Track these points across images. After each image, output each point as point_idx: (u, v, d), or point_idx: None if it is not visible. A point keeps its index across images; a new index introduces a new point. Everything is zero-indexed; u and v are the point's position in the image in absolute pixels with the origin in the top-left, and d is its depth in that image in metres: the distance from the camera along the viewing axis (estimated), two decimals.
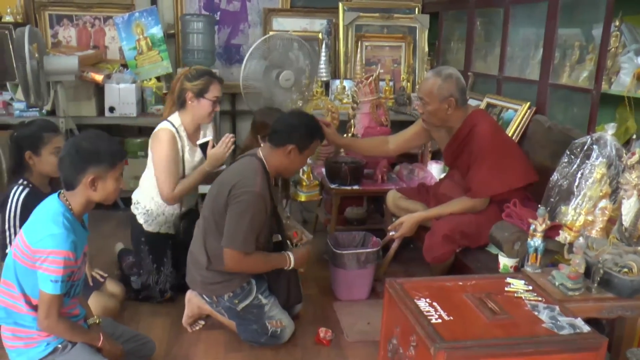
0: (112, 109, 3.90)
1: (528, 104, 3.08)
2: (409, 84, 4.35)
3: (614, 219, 2.04)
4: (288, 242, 2.60)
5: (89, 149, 1.80)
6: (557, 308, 1.65)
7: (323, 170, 3.35)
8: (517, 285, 1.81)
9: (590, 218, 2.05)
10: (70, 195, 1.83)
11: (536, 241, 1.96)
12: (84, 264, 1.95)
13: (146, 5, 4.26)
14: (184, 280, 2.56)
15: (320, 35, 4.54)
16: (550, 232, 2.06)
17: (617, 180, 2.02)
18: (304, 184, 3.15)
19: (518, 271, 2.13)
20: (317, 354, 2.45)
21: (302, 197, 3.17)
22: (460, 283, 1.81)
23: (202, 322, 2.64)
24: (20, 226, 1.97)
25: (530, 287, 1.80)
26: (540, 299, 1.72)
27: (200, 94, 2.67)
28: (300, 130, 2.38)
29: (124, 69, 4.20)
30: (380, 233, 3.07)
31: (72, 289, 1.88)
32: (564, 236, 2.07)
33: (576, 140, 2.21)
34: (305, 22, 4.57)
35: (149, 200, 2.76)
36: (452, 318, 1.59)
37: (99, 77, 3.86)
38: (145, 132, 4.12)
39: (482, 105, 3.44)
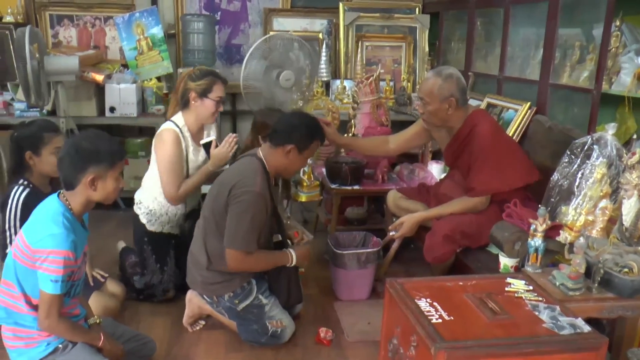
0: (112, 109, 3.91)
1: (528, 104, 3.07)
2: (409, 84, 4.36)
3: (614, 219, 2.04)
4: (289, 242, 2.60)
5: (88, 148, 1.80)
6: (558, 308, 1.65)
7: (323, 170, 3.35)
8: (517, 285, 1.81)
9: (590, 218, 2.05)
10: (70, 195, 1.83)
11: (537, 241, 1.96)
12: (84, 264, 1.95)
13: (146, 5, 4.26)
14: (185, 280, 2.56)
15: (320, 35, 4.54)
16: (551, 232, 2.06)
17: (617, 180, 2.02)
18: (305, 184, 3.15)
19: (518, 271, 2.13)
20: (317, 354, 2.45)
21: (303, 198, 3.18)
22: (461, 283, 1.81)
23: (203, 322, 2.64)
24: (21, 226, 1.97)
25: (531, 287, 1.80)
26: (540, 299, 1.72)
27: (203, 94, 2.67)
28: (300, 131, 2.38)
29: (124, 69, 4.20)
30: (381, 233, 3.07)
31: (73, 288, 1.88)
32: (564, 236, 2.07)
33: (576, 140, 2.21)
34: (306, 22, 4.57)
35: (152, 201, 2.76)
36: (452, 318, 1.59)
37: (99, 77, 3.87)
38: (146, 132, 4.14)
39: (483, 105, 3.44)
